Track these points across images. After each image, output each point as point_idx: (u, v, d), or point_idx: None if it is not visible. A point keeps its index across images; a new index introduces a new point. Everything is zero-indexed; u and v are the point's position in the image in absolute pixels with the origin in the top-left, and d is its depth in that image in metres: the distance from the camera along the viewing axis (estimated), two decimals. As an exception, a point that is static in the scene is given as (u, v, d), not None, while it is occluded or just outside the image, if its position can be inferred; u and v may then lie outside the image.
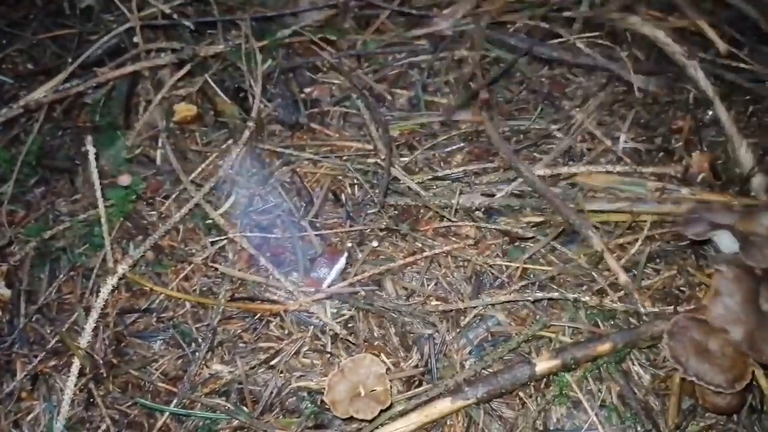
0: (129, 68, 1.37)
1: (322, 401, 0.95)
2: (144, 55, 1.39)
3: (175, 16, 1.43)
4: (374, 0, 1.41)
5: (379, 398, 0.88)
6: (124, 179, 1.21)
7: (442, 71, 1.35)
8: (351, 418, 0.91)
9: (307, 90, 1.37)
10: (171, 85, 1.36)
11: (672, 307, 0.96)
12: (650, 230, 1.04)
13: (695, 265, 1.02)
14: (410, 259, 1.07)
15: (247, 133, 1.26)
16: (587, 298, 0.98)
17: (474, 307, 1.01)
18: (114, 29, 1.43)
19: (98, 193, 1.16)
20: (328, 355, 1.01)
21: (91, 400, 1.02)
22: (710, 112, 1.20)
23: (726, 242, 0.90)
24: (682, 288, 1.00)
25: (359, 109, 1.31)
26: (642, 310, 0.95)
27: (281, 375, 1.00)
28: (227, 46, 1.37)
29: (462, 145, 1.22)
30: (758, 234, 0.88)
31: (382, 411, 0.89)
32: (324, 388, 0.92)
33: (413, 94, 1.33)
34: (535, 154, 1.19)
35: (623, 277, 0.97)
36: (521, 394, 0.94)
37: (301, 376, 1.00)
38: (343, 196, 1.19)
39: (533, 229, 1.07)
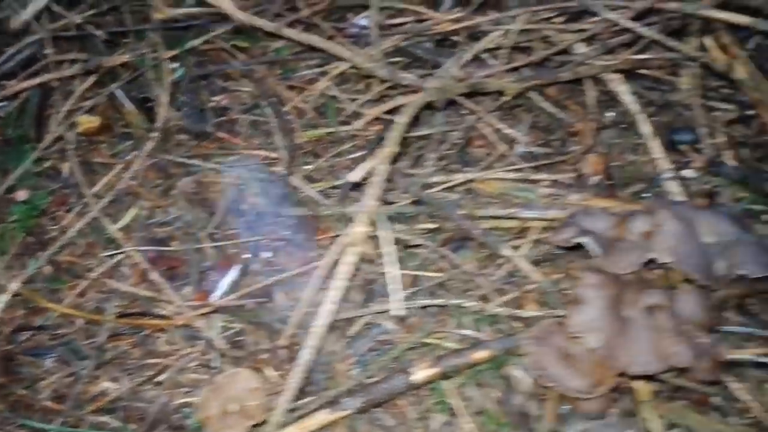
0: (37, 80, 1.35)
1: (207, 417, 0.94)
2: (53, 66, 1.37)
3: (88, 26, 1.42)
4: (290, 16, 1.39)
5: (250, 414, 0.87)
6: (21, 194, 1.20)
7: (352, 78, 1.34)
8: (228, 434, 0.90)
9: (217, 98, 1.36)
10: (78, 97, 1.35)
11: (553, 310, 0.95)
12: (539, 234, 1.04)
13: (581, 268, 1.02)
14: (303, 269, 1.06)
15: (150, 144, 1.25)
16: (471, 303, 0.98)
17: (362, 317, 1.01)
18: (26, 41, 1.41)
19: (-12, 210, 1.15)
20: (215, 371, 1.00)
21: (-23, 421, 1.00)
22: (611, 114, 1.19)
23: (595, 247, 0.90)
24: (566, 291, 1.00)
25: (268, 117, 1.30)
26: (524, 314, 0.96)
27: (167, 392, 1.00)
28: (133, 55, 1.35)
29: (366, 152, 1.21)
30: (627, 240, 0.88)
31: (255, 425, 0.88)
32: (207, 404, 0.92)
33: (323, 101, 1.31)
34: (432, 160, 1.18)
35: (537, 275, 0.99)
36: (402, 402, 0.94)
37: (187, 392, 1.00)
38: (244, 206, 1.18)
39: (425, 235, 1.07)
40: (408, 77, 1.16)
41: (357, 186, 1.16)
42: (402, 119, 0.91)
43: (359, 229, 0.78)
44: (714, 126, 1.13)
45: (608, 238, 0.88)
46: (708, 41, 1.16)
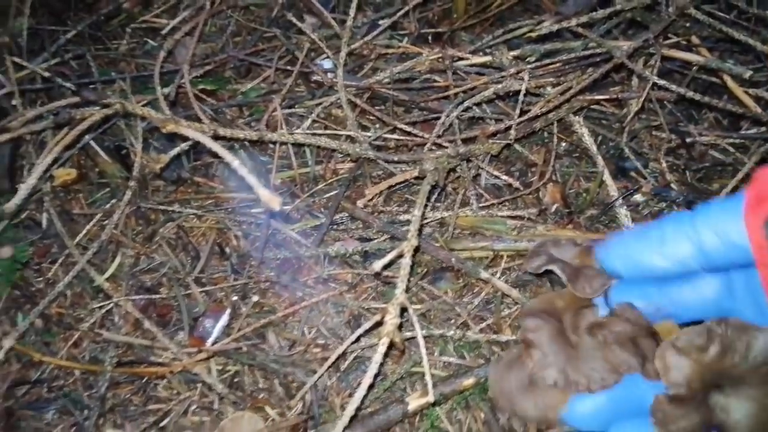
0: (7, 135, 1.37)
1: (212, 458, 0.99)
2: (23, 120, 1.39)
3: (54, 77, 1.44)
4: (256, 60, 1.45)
5: (258, 453, 0.94)
6: (5, 252, 1.22)
7: (320, 117, 1.40)
8: (236, 474, 0.96)
9: (190, 142, 1.40)
10: (51, 149, 1.37)
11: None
12: (508, 263, 1.13)
13: (550, 291, 1.12)
14: (291, 309, 1.12)
15: (129, 194, 1.29)
16: (452, 332, 1.06)
17: (352, 351, 1.08)
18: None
19: (-26, 271, 1.17)
20: (216, 412, 1.05)
21: (-17, 480, 1.03)
22: (563, 144, 1.30)
23: (563, 274, 0.98)
24: (538, 315, 1.09)
25: (242, 160, 1.35)
26: (502, 339, 1.04)
27: (172, 435, 1.04)
28: (105, 108, 1.38)
29: (339, 191, 1.27)
30: (592, 267, 0.96)
31: (262, 465, 0.94)
32: (211, 446, 0.97)
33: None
34: (407, 195, 1.26)
35: (515, 294, 1.07)
36: (397, 429, 1.01)
37: (190, 435, 1.05)
38: (227, 249, 1.24)
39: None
40: (400, 160, 1.23)
41: (334, 226, 1.24)
42: (418, 212, 1.00)
43: (393, 320, 0.87)
44: (658, 154, 1.25)
45: (574, 266, 0.97)
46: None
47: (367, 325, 0.95)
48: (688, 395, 0.77)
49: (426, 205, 1.19)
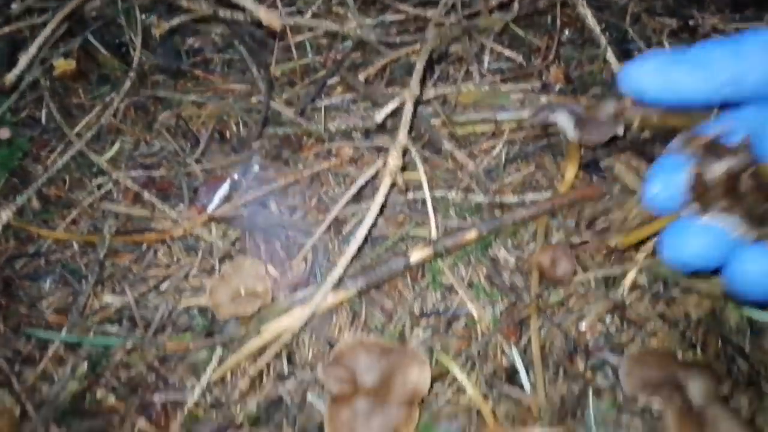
0: (6, 29, 1.36)
1: (213, 315, 0.98)
2: (21, 16, 1.39)
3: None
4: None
5: (259, 294, 0.92)
6: (3, 133, 1.21)
7: (321, 10, 1.39)
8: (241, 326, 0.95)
9: (190, 40, 1.39)
10: (51, 45, 1.36)
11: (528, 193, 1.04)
12: (511, 135, 1.12)
13: (552, 161, 1.11)
14: (292, 179, 1.11)
15: (128, 83, 1.28)
16: (454, 195, 1.05)
17: (354, 214, 1.07)
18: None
19: (-25, 148, 1.16)
20: (216, 276, 1.04)
21: (-19, 343, 1.02)
22: (567, 32, 1.29)
23: (569, 124, 0.97)
24: (539, 181, 1.08)
25: (242, 55, 1.34)
26: (499, 200, 1.04)
27: (171, 297, 1.03)
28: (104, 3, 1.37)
29: (340, 78, 1.26)
30: (598, 118, 0.95)
31: (262, 306, 0.93)
32: (213, 303, 0.96)
33: (300, 39, 1.36)
34: (408, 79, 1.25)
35: (471, 165, 1.06)
36: (399, 285, 1.00)
37: (190, 296, 1.03)
38: (228, 134, 1.23)
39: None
40: (402, 41, 1.23)
41: (335, 107, 1.23)
42: (419, 65, 1.01)
43: (395, 161, 0.88)
44: (661, 37, 1.24)
45: (581, 117, 0.96)
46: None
47: (370, 172, 0.94)
48: None
49: (426, 81, 1.19)
